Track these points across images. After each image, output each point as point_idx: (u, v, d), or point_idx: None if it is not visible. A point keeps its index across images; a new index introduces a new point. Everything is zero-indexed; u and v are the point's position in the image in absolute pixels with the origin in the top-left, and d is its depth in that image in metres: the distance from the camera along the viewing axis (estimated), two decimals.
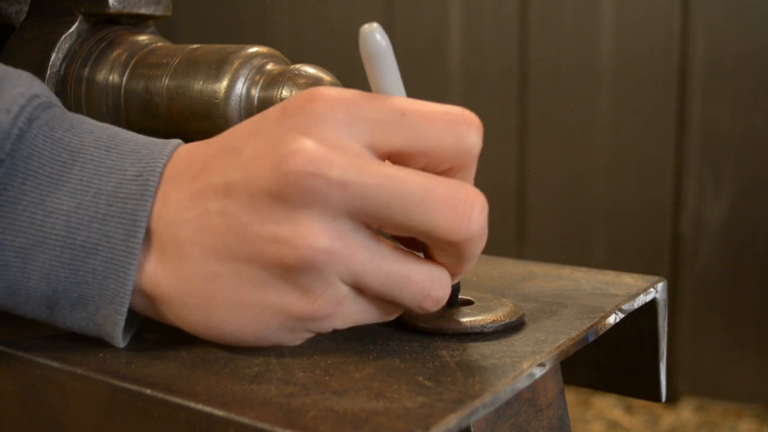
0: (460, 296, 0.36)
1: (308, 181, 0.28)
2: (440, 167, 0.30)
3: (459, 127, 0.30)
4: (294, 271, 0.29)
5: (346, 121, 0.29)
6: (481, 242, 0.31)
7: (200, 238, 0.31)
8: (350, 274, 0.30)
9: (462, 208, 0.29)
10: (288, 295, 0.30)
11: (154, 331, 0.35)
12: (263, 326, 0.31)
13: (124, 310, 0.31)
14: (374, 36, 0.30)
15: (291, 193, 0.29)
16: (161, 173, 0.32)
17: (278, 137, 0.30)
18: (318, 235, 0.29)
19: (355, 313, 0.31)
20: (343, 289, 0.30)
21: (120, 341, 0.32)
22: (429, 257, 0.32)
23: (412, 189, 0.29)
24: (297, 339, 0.32)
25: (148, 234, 0.31)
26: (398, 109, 0.30)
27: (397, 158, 0.30)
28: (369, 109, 0.30)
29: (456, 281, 0.33)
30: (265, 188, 0.29)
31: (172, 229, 0.31)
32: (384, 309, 0.32)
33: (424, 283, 0.31)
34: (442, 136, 0.30)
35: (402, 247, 0.32)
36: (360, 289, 0.31)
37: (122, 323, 0.32)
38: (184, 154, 0.32)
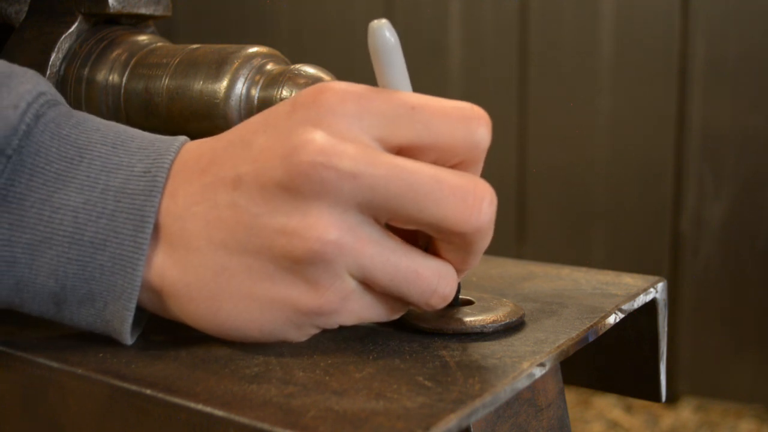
0: (460, 296, 0.36)
1: (319, 172, 0.28)
2: (450, 162, 0.31)
3: (469, 122, 0.30)
4: (302, 263, 0.29)
5: (356, 114, 0.30)
6: (489, 235, 0.31)
7: (209, 231, 0.31)
8: (358, 267, 0.30)
9: (472, 200, 0.29)
10: (296, 289, 0.30)
11: (155, 332, 0.35)
12: (270, 320, 0.31)
13: (133, 305, 0.31)
14: (383, 32, 0.30)
15: (301, 185, 0.29)
16: (169, 169, 0.32)
17: (289, 129, 0.30)
18: (328, 227, 0.29)
19: (362, 308, 0.31)
20: (351, 283, 0.30)
21: (128, 338, 0.32)
22: (434, 254, 0.32)
23: (422, 180, 0.29)
24: (302, 335, 0.32)
25: (156, 229, 0.31)
26: (408, 103, 0.30)
27: (407, 153, 0.30)
28: (379, 103, 0.30)
29: (460, 279, 0.33)
30: (275, 179, 0.29)
31: (180, 223, 0.31)
32: (390, 306, 0.32)
33: (432, 279, 0.31)
34: (452, 131, 0.30)
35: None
36: (367, 284, 0.31)
37: (131, 319, 0.32)
38: (193, 149, 0.32)
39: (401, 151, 0.30)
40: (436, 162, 0.30)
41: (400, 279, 0.30)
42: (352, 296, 0.31)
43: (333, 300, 0.30)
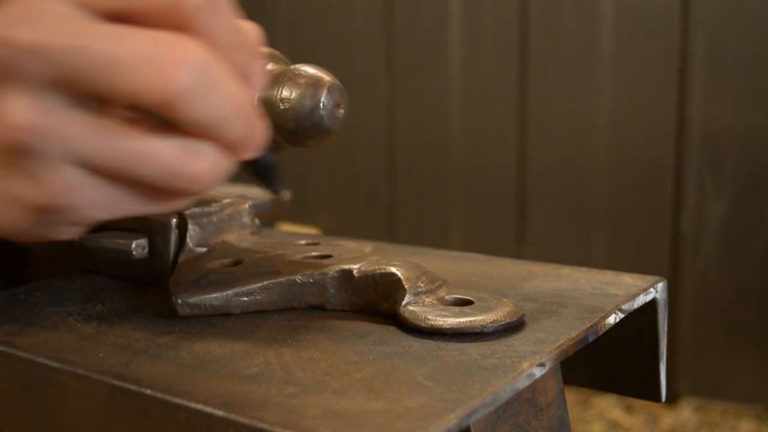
0: (460, 296, 0.36)
1: None
2: (163, 27, 0.27)
3: None
4: (9, 155, 0.27)
5: None
6: (202, 102, 0.27)
7: None
8: (74, 154, 0.27)
9: (164, 63, 0.26)
10: (17, 183, 0.28)
11: (155, 332, 0.35)
12: (12, 220, 0.29)
13: None
14: None
15: None
16: None
17: None
18: (20, 112, 0.26)
19: (107, 201, 0.28)
20: (72, 173, 0.27)
21: None
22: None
23: (109, 48, 0.26)
24: (60, 233, 0.30)
25: None
26: None
27: (121, 22, 0.27)
28: None
29: (247, 156, 0.30)
30: None
31: None
32: (146, 196, 0.29)
33: (171, 159, 0.27)
34: None
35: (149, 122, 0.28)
36: (102, 174, 0.28)
37: None
38: None
39: (114, 19, 0.27)
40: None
41: (130, 163, 0.27)
42: (81, 187, 0.28)
43: (57, 193, 0.27)
